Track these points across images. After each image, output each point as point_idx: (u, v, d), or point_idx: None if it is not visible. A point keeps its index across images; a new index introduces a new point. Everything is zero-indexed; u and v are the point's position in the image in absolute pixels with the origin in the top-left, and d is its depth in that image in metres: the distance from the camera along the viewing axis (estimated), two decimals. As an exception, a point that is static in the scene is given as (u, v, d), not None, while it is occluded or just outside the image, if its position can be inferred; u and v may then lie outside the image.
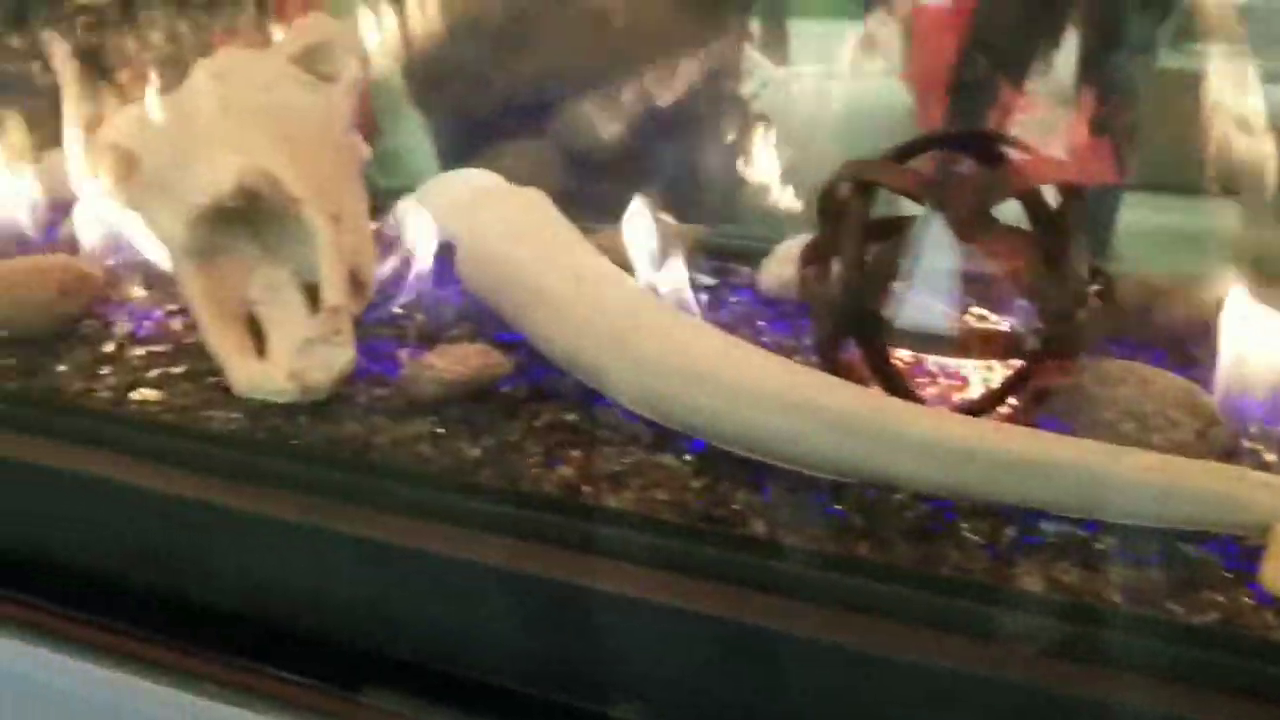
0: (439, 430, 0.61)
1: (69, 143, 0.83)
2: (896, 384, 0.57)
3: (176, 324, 0.74)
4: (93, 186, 0.81)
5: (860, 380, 0.58)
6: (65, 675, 0.59)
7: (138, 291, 0.79)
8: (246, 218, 0.68)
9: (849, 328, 0.56)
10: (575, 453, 0.58)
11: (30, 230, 0.89)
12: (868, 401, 0.53)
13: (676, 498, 0.54)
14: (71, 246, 0.84)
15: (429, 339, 0.71)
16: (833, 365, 0.59)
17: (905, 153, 0.61)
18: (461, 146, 1.25)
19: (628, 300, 0.61)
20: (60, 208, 0.89)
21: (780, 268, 0.71)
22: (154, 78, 0.78)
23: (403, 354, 0.69)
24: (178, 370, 0.68)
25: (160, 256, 0.76)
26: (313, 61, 0.77)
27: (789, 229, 0.82)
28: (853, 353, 0.59)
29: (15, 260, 0.75)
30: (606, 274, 0.64)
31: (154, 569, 0.62)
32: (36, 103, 1.31)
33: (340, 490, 0.57)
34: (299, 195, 0.66)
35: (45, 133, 1.08)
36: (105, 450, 0.62)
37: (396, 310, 0.75)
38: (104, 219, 0.80)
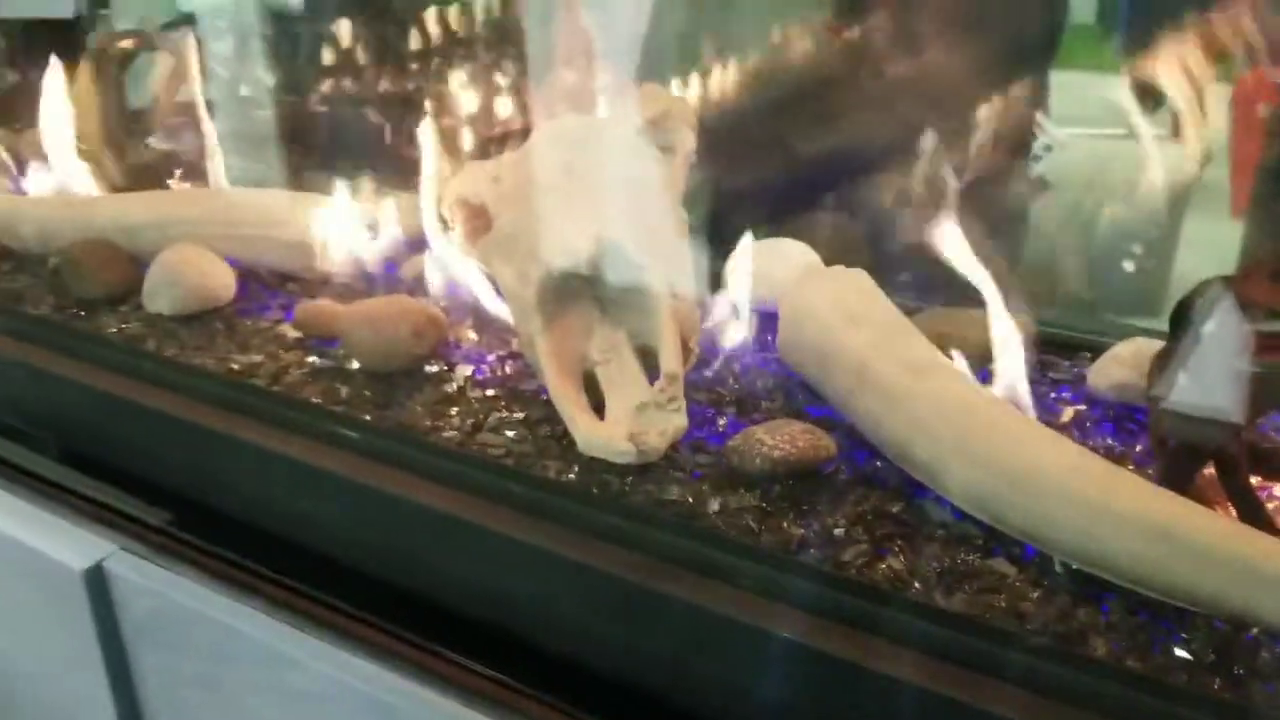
0: (764, 505, 0.63)
1: (424, 190, 0.90)
2: (1259, 515, 0.54)
3: (509, 369, 0.79)
4: (441, 235, 0.88)
5: (1206, 502, 0.56)
6: (407, 700, 0.64)
7: (470, 335, 0.85)
8: (588, 278, 0.72)
9: (1214, 453, 0.54)
10: (903, 545, 0.59)
11: (371, 266, 0.97)
12: (1234, 533, 0.51)
13: (1013, 606, 0.54)
14: (410, 287, 0.91)
15: (743, 408, 0.73)
16: (1177, 484, 0.57)
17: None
18: (745, 214, 1.27)
19: (969, 397, 0.61)
20: (400, 246, 0.97)
21: (1115, 369, 0.69)
22: (492, 135, 0.85)
23: (720, 421, 0.72)
24: (515, 417, 0.73)
25: (501, 308, 0.82)
26: (652, 132, 0.81)
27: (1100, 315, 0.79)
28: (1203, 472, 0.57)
29: (376, 300, 0.82)
30: (943, 366, 0.64)
31: (489, 606, 0.66)
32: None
33: (668, 553, 0.60)
34: (642, 263, 0.69)
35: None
36: (453, 488, 0.67)
37: (706, 374, 0.78)
38: (447, 266, 0.86)
